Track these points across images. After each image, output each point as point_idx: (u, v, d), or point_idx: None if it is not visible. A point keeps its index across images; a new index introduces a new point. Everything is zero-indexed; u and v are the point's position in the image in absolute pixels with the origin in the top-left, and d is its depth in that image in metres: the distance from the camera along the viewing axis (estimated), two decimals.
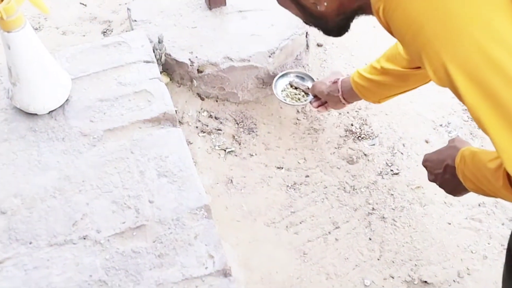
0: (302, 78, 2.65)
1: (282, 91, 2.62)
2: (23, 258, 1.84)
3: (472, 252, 2.23)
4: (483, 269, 2.18)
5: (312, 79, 2.62)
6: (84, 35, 3.10)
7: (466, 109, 2.64)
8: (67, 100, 2.24)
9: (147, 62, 2.41)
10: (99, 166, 2.06)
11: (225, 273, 1.80)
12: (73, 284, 1.78)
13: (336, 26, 1.48)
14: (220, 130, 2.61)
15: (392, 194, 2.40)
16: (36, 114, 2.20)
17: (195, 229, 1.89)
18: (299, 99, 2.57)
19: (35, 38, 2.05)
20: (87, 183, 2.02)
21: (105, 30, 3.13)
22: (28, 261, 1.83)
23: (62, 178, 2.03)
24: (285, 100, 2.57)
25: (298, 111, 2.69)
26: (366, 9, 1.37)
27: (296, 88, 2.62)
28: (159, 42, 2.58)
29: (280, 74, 2.64)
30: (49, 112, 2.21)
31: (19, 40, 1.99)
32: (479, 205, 2.36)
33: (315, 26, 1.52)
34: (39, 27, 3.16)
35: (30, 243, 1.88)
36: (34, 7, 1.94)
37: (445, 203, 2.36)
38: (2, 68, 2.35)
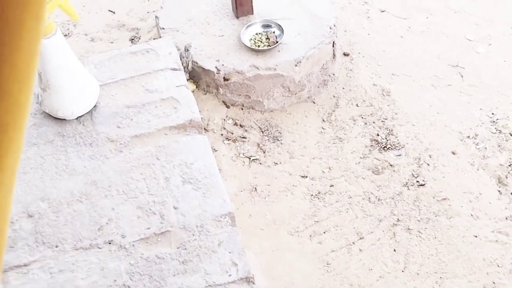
0: (269, 26, 2.76)
1: (250, 40, 2.72)
2: (49, 261, 1.87)
3: (498, 265, 2.19)
4: (509, 283, 2.14)
5: (279, 26, 2.71)
6: (112, 42, 3.14)
7: (494, 121, 2.62)
8: (95, 106, 2.27)
9: (174, 69, 2.43)
10: (125, 171, 2.08)
11: (248, 281, 1.80)
12: None
13: None
14: (245, 138, 2.62)
15: (417, 206, 2.37)
16: (64, 120, 2.23)
17: (219, 236, 1.90)
18: (261, 42, 2.70)
19: (66, 44, 2.08)
20: (113, 188, 2.04)
21: (132, 38, 3.16)
22: (53, 264, 1.86)
23: (89, 183, 2.06)
24: (251, 46, 2.66)
25: (323, 120, 2.69)
26: None
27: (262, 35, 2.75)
28: (186, 50, 2.60)
29: (247, 24, 2.75)
30: (77, 117, 2.24)
31: (50, 47, 2.02)
32: (506, 218, 2.32)
33: None
34: (68, 34, 3.21)
35: (56, 246, 1.90)
36: (65, 13, 1.97)
37: (471, 215, 2.33)
38: None
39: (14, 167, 0.59)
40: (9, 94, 0.55)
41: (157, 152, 2.14)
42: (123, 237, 1.91)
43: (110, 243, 1.90)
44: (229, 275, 1.81)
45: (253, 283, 1.80)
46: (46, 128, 2.22)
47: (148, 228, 1.92)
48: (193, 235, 1.90)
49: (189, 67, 2.61)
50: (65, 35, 3.19)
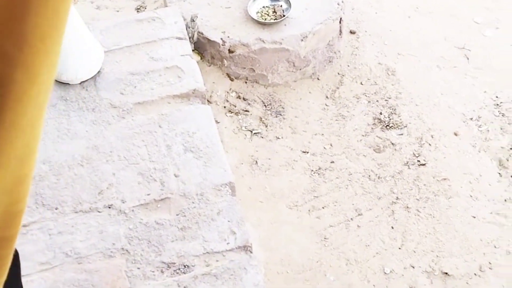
0: None
1: (256, 12, 2.71)
2: (48, 223, 1.87)
3: (495, 247, 2.20)
4: (505, 264, 2.15)
5: (287, 0, 2.70)
6: (118, 11, 3.12)
7: (497, 104, 2.61)
8: (99, 71, 2.26)
9: (180, 38, 2.41)
10: (127, 138, 2.08)
11: (246, 250, 1.81)
12: (95, 251, 1.80)
13: None
14: (248, 111, 2.62)
15: (417, 185, 2.38)
16: (68, 84, 2.23)
17: (219, 205, 1.90)
18: (268, 15, 2.69)
19: (72, 8, 2.06)
20: (115, 154, 2.04)
21: (139, 7, 3.14)
22: (53, 226, 1.86)
23: (90, 147, 2.06)
24: (258, 19, 2.65)
25: (327, 97, 2.68)
26: None
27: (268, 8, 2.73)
28: (192, 21, 2.58)
29: None
30: (81, 82, 2.23)
31: None
32: (505, 200, 2.33)
33: None
34: (74, 1, 3.19)
35: (56, 208, 1.90)
36: None
37: (470, 196, 2.34)
38: None
39: (49, 85, 0.58)
40: (49, 2, 0.54)
41: (160, 120, 2.13)
42: (123, 202, 1.91)
43: (109, 207, 1.90)
44: (227, 243, 1.81)
45: (251, 252, 1.81)
46: None
47: (148, 194, 1.93)
48: (193, 202, 1.91)
49: (195, 38, 2.59)
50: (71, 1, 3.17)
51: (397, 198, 2.34)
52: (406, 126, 2.57)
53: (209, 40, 2.61)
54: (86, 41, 2.16)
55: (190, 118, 2.14)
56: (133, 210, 1.89)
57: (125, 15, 3.00)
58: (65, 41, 2.01)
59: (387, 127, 2.57)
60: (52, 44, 0.56)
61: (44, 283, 1.75)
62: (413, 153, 2.48)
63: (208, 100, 2.58)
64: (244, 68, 2.67)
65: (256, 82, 2.72)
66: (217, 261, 1.79)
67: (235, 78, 2.71)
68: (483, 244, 2.20)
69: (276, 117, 2.61)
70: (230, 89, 2.68)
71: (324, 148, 2.52)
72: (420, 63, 2.86)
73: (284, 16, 2.64)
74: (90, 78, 2.24)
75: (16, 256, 1.03)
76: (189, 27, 2.58)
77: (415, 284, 2.11)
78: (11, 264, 0.71)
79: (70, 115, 2.16)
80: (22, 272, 1.78)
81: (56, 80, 2.22)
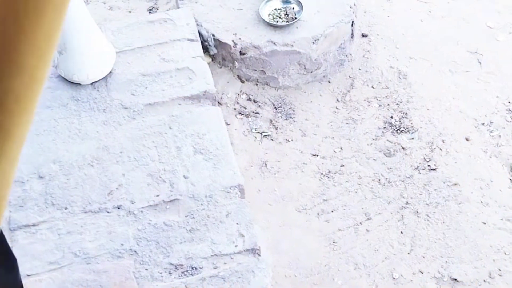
0: (288, 2, 2.73)
1: (268, 15, 2.69)
2: (57, 223, 1.88)
3: (505, 253, 2.18)
4: None
5: (299, 2, 2.69)
6: (130, 11, 3.13)
7: (510, 109, 2.59)
8: (110, 72, 2.27)
9: (191, 40, 2.42)
10: (137, 139, 2.09)
11: (254, 253, 1.81)
12: (104, 251, 1.81)
13: None
14: (258, 113, 2.61)
15: (427, 190, 2.36)
16: (79, 84, 2.24)
17: (228, 207, 1.90)
18: (280, 18, 2.67)
19: (84, 7, 2.08)
20: (125, 155, 2.04)
21: (151, 8, 3.15)
22: (62, 226, 1.87)
23: (101, 148, 2.07)
24: (270, 21, 2.63)
25: (337, 100, 2.68)
26: None
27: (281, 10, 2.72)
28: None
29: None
30: (92, 83, 2.25)
31: (68, 9, 2.01)
32: None
33: None
34: (86, 1, 3.20)
35: (66, 208, 1.91)
36: None
37: (481, 202, 2.32)
38: None
39: (23, 138, 0.60)
40: (26, 68, 0.55)
41: (170, 121, 2.14)
42: (132, 203, 1.92)
43: (119, 208, 1.91)
44: (236, 246, 1.81)
45: (259, 255, 1.81)
46: (60, 92, 2.23)
47: (157, 196, 1.93)
48: (202, 204, 1.91)
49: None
50: (84, 2, 3.19)
51: (407, 203, 2.33)
52: (417, 131, 2.56)
53: (220, 42, 2.61)
54: (98, 42, 2.17)
55: (200, 120, 2.15)
56: (142, 211, 1.90)
57: (137, 16, 3.01)
58: (76, 41, 2.01)
59: (398, 131, 2.56)
60: (27, 105, 0.57)
61: (53, 283, 1.76)
62: (424, 158, 2.47)
63: (218, 102, 2.58)
64: (255, 70, 2.67)
65: (267, 84, 2.71)
66: (225, 263, 1.79)
67: (246, 80, 2.71)
68: (493, 251, 2.19)
69: (286, 119, 2.61)
70: (241, 91, 2.68)
71: (334, 151, 2.51)
72: (432, 67, 2.84)
73: (296, 18, 2.64)
74: (101, 79, 2.25)
75: (14, 261, 1.04)
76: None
77: None
78: (9, 270, 0.71)
79: (81, 115, 2.17)
80: (31, 271, 1.80)
81: (67, 80, 2.23)
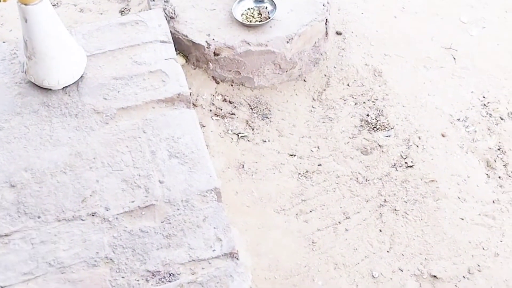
0: (261, 1, 2.72)
1: (241, 15, 2.68)
2: (30, 232, 1.84)
3: (483, 249, 2.19)
4: (494, 266, 2.14)
5: (272, 1, 2.68)
6: (101, 13, 3.08)
7: (484, 105, 2.60)
8: (81, 76, 2.23)
9: (164, 42, 2.38)
10: (110, 144, 2.05)
11: (233, 257, 1.78)
12: (79, 260, 1.77)
13: None
14: (234, 114, 2.59)
15: (405, 187, 2.36)
16: (50, 89, 2.19)
17: (204, 212, 1.88)
18: (253, 17, 2.67)
19: (53, 12, 2.03)
20: (98, 161, 2.01)
21: (122, 10, 3.11)
22: (35, 235, 1.83)
23: (73, 154, 2.03)
24: (243, 21, 2.62)
25: (313, 99, 2.66)
26: None
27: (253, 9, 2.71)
28: (165, 1, 2.61)
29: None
30: (63, 88, 2.20)
31: (36, 13, 1.97)
32: (493, 201, 2.32)
33: None
34: (57, 4, 3.15)
35: (39, 217, 1.87)
36: None
37: (458, 198, 2.33)
38: (18, 42, 2.34)
39: None
40: None
41: (144, 125, 2.11)
42: (107, 210, 1.88)
43: (93, 215, 1.87)
44: (213, 250, 1.79)
45: (237, 258, 1.79)
46: (31, 98, 2.18)
47: (133, 202, 1.90)
48: (178, 209, 1.88)
49: (175, 14, 2.61)
50: (54, 5, 3.13)
51: (385, 201, 2.32)
52: (393, 128, 2.56)
53: (193, 43, 2.58)
54: (67, 46, 2.12)
55: (175, 123, 2.12)
56: (117, 218, 1.86)
57: (108, 18, 2.96)
58: (45, 46, 1.97)
59: (374, 129, 2.56)
60: None
61: None
62: (401, 155, 2.47)
63: (193, 104, 2.55)
64: (230, 71, 2.64)
65: (242, 84, 2.69)
66: (203, 268, 1.76)
67: (221, 81, 2.68)
68: (472, 247, 2.19)
69: (263, 120, 2.59)
70: (216, 92, 2.66)
71: (311, 151, 2.50)
72: (407, 63, 2.84)
73: (269, 18, 2.62)
74: (72, 83, 2.21)
75: None
76: (165, 8, 2.59)
77: (404, 287, 2.10)
78: None
79: (52, 121, 2.12)
80: (4, 283, 1.75)
81: (37, 86, 2.19)
